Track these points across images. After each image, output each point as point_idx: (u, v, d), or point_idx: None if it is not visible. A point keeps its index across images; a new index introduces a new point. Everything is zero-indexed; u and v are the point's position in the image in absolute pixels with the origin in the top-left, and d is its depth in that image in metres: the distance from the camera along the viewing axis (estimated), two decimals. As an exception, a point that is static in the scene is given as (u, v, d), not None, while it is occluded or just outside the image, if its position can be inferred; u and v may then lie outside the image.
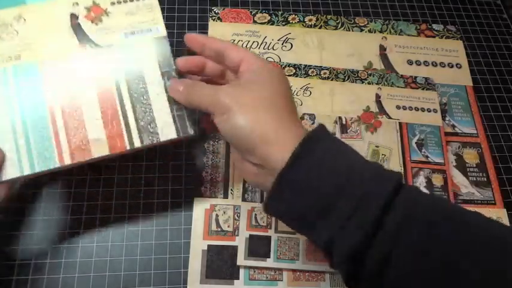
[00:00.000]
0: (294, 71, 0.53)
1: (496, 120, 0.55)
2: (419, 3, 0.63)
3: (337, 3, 0.60)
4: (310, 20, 0.57)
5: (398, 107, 0.52)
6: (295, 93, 0.51)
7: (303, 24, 0.56)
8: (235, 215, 0.45)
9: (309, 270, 0.43)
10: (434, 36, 0.58)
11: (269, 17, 0.56)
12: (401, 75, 0.54)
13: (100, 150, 0.37)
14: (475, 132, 0.53)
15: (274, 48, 0.54)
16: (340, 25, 0.57)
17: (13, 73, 0.37)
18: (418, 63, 0.56)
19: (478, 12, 0.64)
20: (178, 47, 0.54)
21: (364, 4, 0.61)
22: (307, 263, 0.43)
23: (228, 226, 0.44)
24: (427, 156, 0.49)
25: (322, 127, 0.34)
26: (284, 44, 0.55)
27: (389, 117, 0.51)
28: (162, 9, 0.55)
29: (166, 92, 0.38)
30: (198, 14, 0.57)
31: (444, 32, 0.59)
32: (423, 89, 0.53)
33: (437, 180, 0.48)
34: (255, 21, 0.55)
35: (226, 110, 0.34)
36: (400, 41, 0.57)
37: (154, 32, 0.40)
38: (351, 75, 0.53)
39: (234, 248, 0.43)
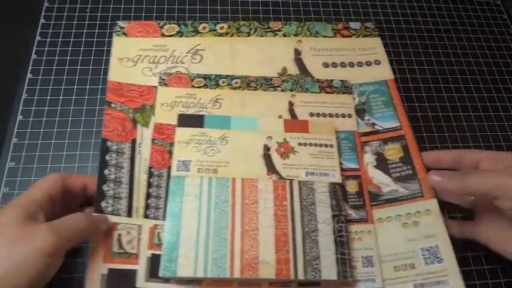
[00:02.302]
0: (204, 82, 0.51)
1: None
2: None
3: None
4: (221, 28, 0.55)
5: (311, 115, 0.50)
6: (204, 106, 0.49)
7: (214, 33, 0.55)
8: (140, 235, 0.42)
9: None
10: (351, 36, 0.57)
11: (178, 28, 0.54)
12: (317, 79, 0.53)
13: (267, 272, 0.40)
14: (398, 125, 0.51)
15: (183, 61, 0.52)
16: (253, 31, 0.56)
17: (208, 183, 0.43)
18: (334, 65, 0.55)
19: (478, 13, 0.65)
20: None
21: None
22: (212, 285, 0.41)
23: (132, 248, 0.41)
24: (341, 163, 0.47)
25: None
26: (194, 56, 0.53)
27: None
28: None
29: (334, 234, 0.42)
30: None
31: (362, 31, 0.58)
32: (339, 92, 0.52)
33: (352, 187, 0.47)
34: (163, 34, 0.54)
35: None
36: (316, 43, 0.56)
37: (331, 177, 0.45)
38: (263, 83, 0.52)
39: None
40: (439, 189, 0.45)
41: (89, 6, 0.58)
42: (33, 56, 0.53)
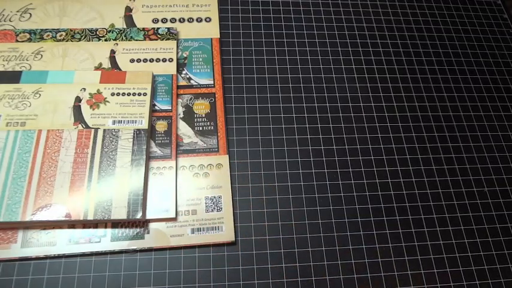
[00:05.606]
0: (29, 36, 0.52)
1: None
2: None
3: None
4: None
5: (132, 61, 0.51)
6: (25, 58, 0.50)
7: (47, -6, 0.56)
8: None
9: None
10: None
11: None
12: (143, 28, 0.54)
13: (58, 215, 0.41)
14: (211, 82, 0.52)
15: (12, 19, 0.54)
16: (87, -9, 0.57)
17: (14, 136, 0.45)
18: (164, 21, 0.56)
19: (478, 12, 0.64)
20: None
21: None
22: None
23: None
24: (154, 105, 0.49)
25: None
26: (23, 15, 0.54)
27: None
28: None
29: (130, 177, 0.43)
30: None
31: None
32: (163, 39, 0.53)
33: (161, 126, 0.48)
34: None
35: None
36: (150, 1, 0.57)
37: (137, 123, 0.47)
38: (88, 34, 0.53)
39: None
40: None
41: None
42: None
